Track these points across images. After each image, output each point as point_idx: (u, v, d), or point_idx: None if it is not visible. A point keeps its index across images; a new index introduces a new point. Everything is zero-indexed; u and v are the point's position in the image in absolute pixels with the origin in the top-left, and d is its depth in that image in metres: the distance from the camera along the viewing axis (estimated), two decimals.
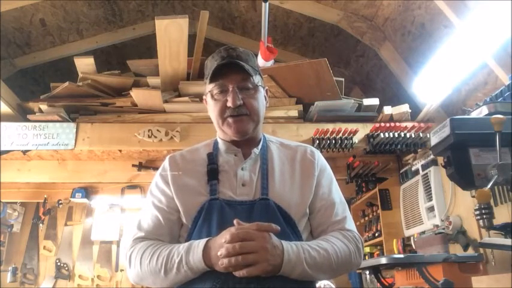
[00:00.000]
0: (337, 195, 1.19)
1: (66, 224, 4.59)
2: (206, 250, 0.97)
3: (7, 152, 3.11)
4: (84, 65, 3.26)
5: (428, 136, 2.92)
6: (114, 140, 3.08)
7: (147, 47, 4.04)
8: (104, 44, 3.92)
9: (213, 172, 1.13)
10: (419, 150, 3.12)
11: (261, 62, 2.98)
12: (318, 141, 3.02)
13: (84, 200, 4.05)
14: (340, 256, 1.04)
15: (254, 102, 1.14)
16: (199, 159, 1.18)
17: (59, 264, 4.42)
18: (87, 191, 4.00)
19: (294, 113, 3.19)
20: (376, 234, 3.53)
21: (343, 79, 3.33)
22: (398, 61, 3.28)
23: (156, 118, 3.17)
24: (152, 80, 3.24)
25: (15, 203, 4.35)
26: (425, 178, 2.98)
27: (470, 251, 2.49)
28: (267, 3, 2.63)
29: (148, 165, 3.46)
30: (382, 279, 2.79)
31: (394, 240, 3.27)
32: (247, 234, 0.94)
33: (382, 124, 3.07)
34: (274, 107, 3.18)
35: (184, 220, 1.10)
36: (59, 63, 3.89)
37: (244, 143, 1.17)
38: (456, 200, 2.73)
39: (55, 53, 3.83)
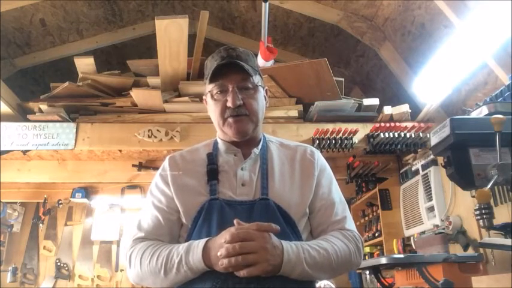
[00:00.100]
0: (337, 195, 1.19)
1: (66, 224, 4.59)
2: (206, 250, 0.97)
3: (7, 152, 3.11)
4: (84, 65, 3.26)
5: (428, 136, 2.92)
6: (114, 140, 3.08)
7: (147, 47, 4.04)
8: (104, 44, 3.92)
9: (212, 172, 1.13)
10: (419, 150, 3.12)
11: (261, 62, 2.98)
12: (318, 141, 3.01)
13: (84, 200, 4.05)
14: (340, 256, 1.04)
15: (254, 103, 1.14)
16: (199, 160, 1.18)
17: (59, 264, 4.42)
18: (87, 191, 4.00)
19: (294, 113, 3.19)
20: (376, 234, 3.53)
21: (343, 79, 3.33)
22: (398, 61, 3.28)
23: (156, 118, 3.17)
24: (152, 80, 3.24)
25: (15, 203, 4.35)
26: (425, 178, 2.98)
27: (470, 251, 2.49)
28: (267, 3, 2.63)
29: (148, 165, 3.46)
30: (382, 279, 2.79)
31: (394, 240, 3.27)
32: (247, 234, 0.94)
33: (382, 124, 3.07)
34: (274, 107, 3.17)
35: (184, 220, 1.10)
36: (59, 63, 3.89)
37: (244, 143, 1.17)
38: (456, 200, 2.73)
39: (55, 53, 3.83)
